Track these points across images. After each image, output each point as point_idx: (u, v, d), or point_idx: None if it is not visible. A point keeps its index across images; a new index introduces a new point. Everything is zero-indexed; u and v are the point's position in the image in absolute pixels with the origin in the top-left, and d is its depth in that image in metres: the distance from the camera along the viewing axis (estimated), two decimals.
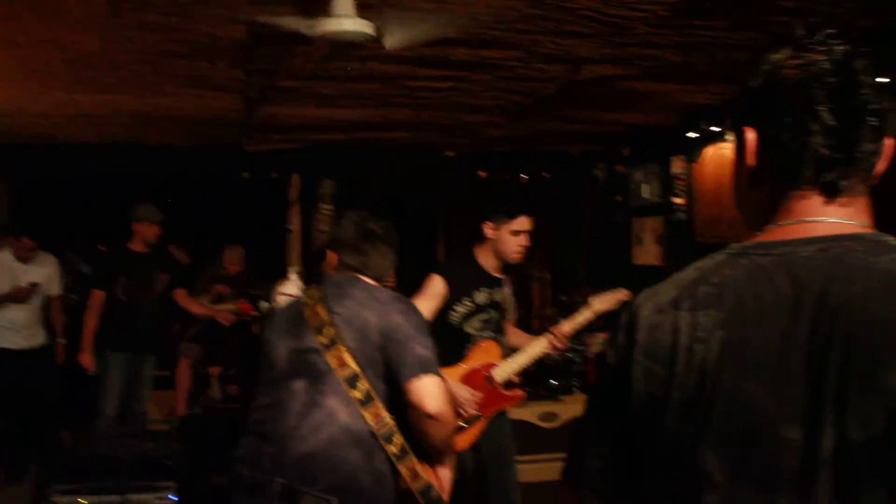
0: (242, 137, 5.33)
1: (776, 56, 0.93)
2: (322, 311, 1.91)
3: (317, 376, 1.85)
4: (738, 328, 0.83)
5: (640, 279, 5.00)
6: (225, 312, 5.09)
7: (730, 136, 4.29)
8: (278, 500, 1.74)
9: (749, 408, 0.80)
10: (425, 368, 1.82)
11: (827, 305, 0.79)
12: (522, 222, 2.86)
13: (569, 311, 4.97)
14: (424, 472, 1.84)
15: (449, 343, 2.87)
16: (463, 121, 4.78)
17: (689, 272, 0.93)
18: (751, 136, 0.94)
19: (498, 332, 2.95)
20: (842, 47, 0.89)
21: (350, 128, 5.02)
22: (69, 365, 4.80)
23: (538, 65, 3.43)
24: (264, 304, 5.48)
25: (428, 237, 7.04)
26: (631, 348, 0.91)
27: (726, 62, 3.47)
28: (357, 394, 1.81)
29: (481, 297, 2.88)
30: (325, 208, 5.90)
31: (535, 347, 2.87)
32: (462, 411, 2.76)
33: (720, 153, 4.31)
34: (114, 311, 4.63)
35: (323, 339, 1.86)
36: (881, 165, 0.91)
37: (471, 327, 2.89)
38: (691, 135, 4.44)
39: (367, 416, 1.80)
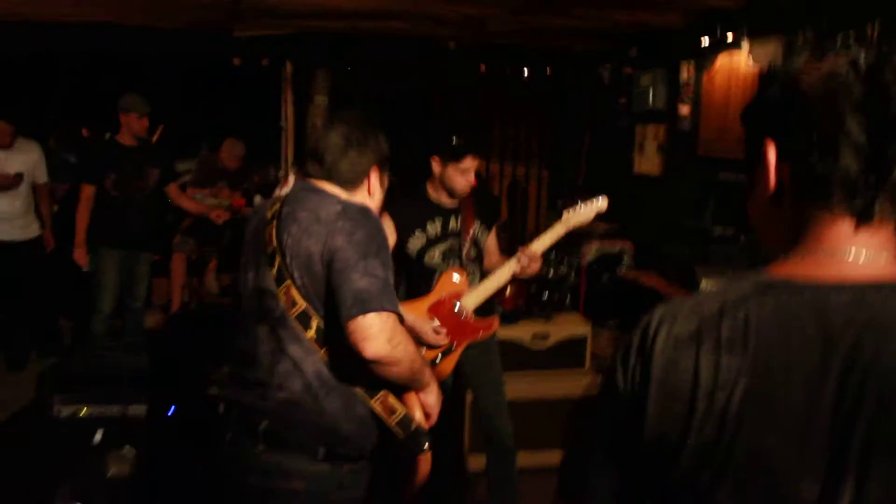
0: (231, 21, 5.05)
1: (793, 63, 0.84)
2: (273, 236, 1.75)
3: (274, 320, 1.74)
4: (763, 378, 0.79)
5: (639, 188, 4.96)
6: (219, 210, 5.02)
7: (742, 46, 4.10)
8: (263, 442, 1.73)
9: (769, 462, 0.78)
10: (362, 306, 1.59)
11: (859, 361, 0.75)
12: (468, 162, 2.76)
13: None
14: (401, 403, 1.80)
15: (414, 276, 2.88)
16: (463, 13, 4.52)
17: (710, 301, 0.86)
18: (771, 154, 0.86)
19: (463, 260, 2.91)
20: (866, 53, 0.80)
21: (346, 16, 4.76)
22: (62, 259, 4.79)
23: None
24: (259, 199, 5.43)
25: (424, 130, 6.88)
26: (646, 380, 0.86)
27: None
28: (311, 333, 1.71)
29: (434, 228, 2.83)
30: (320, 100, 5.69)
31: (504, 271, 2.79)
32: (433, 343, 2.77)
33: (730, 64, 4.11)
34: (105, 206, 4.54)
35: (273, 273, 1.73)
36: None
37: (431, 259, 2.84)
38: (704, 41, 4.22)
39: (323, 355, 1.72)
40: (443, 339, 2.79)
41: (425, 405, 1.85)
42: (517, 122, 6.46)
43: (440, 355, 2.83)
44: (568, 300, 3.96)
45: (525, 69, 5.84)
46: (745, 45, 3.98)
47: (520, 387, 3.21)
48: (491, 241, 3.03)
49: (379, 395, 1.76)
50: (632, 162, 5.15)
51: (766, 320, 0.81)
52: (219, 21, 5.02)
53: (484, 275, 2.93)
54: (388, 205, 2.91)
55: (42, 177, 4.94)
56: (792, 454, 0.77)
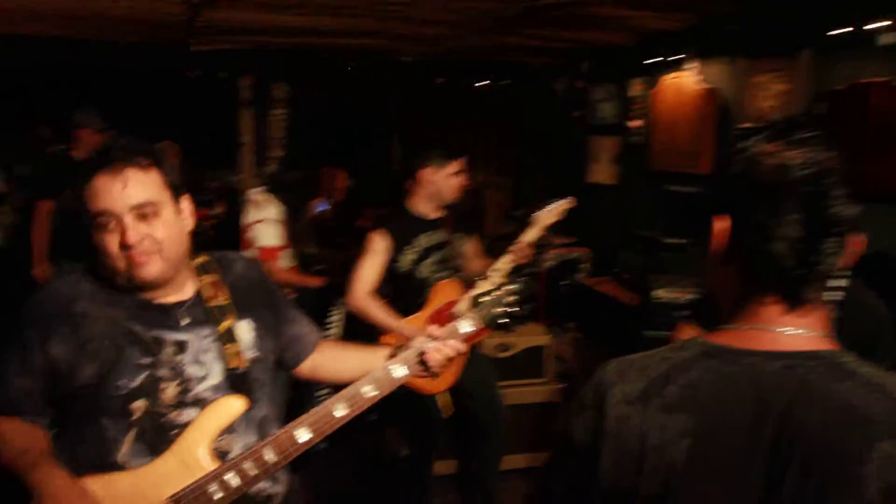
0: (188, 37, 5.05)
1: (756, 146, 0.92)
2: None
3: None
4: (704, 439, 0.88)
5: (594, 197, 5.13)
6: None
7: (689, 65, 4.30)
8: None
9: None
10: None
11: (787, 428, 0.85)
12: (460, 164, 2.89)
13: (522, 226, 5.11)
14: None
15: (408, 291, 2.93)
16: (421, 32, 4.63)
17: (658, 362, 0.96)
18: (720, 225, 0.95)
19: (454, 270, 3.00)
20: (820, 152, 0.89)
21: (303, 33, 4.81)
22: (23, 275, 4.70)
23: None
24: (217, 210, 5.41)
25: (382, 141, 6.95)
26: (600, 434, 0.95)
27: None
28: None
29: (424, 241, 2.91)
30: (278, 113, 5.72)
31: (502, 266, 2.90)
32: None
33: (678, 82, 4.31)
34: (64, 221, 4.50)
35: None
36: (841, 263, 0.92)
37: (422, 273, 2.91)
38: (651, 60, 4.41)
39: None
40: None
41: None
42: (476, 133, 6.59)
43: None
44: (529, 308, 4.08)
45: (482, 82, 5.97)
46: (691, 65, 4.19)
47: None
48: (470, 248, 3.14)
49: None
50: (586, 172, 5.32)
51: (708, 384, 0.90)
52: (176, 36, 5.01)
53: (467, 281, 3.02)
54: (378, 225, 2.99)
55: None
56: None
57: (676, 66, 4.29)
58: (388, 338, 2.90)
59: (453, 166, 2.87)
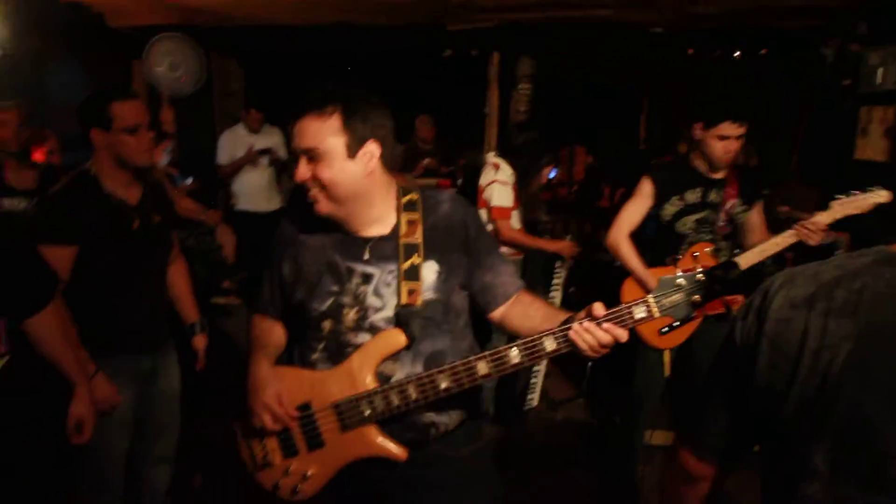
0: (445, 16, 5.42)
1: None
2: None
3: None
4: (868, 345, 0.84)
5: (860, 175, 4.58)
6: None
7: None
8: None
9: (865, 425, 0.84)
10: None
11: None
12: (727, 128, 2.70)
13: (769, 206, 4.70)
14: None
15: (664, 241, 2.92)
16: None
17: (831, 269, 0.93)
18: None
19: (716, 234, 2.87)
20: None
21: (551, 5, 4.92)
22: None
23: None
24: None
25: (630, 118, 6.81)
26: (759, 335, 0.95)
27: None
28: None
29: (692, 196, 2.84)
30: (523, 87, 5.91)
31: (779, 241, 2.70)
32: None
33: None
34: None
35: None
36: None
37: (683, 227, 2.86)
38: None
39: None
40: None
41: None
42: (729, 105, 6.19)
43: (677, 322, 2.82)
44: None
45: (737, 51, 5.58)
46: None
47: None
48: (754, 219, 2.96)
49: None
50: (853, 147, 4.74)
51: (881, 292, 0.86)
52: (435, 16, 5.41)
53: (736, 252, 2.87)
54: (651, 169, 2.98)
55: (284, 156, 5.72)
56: (887, 415, 0.82)
57: None
58: (629, 285, 2.93)
59: (722, 129, 2.72)
